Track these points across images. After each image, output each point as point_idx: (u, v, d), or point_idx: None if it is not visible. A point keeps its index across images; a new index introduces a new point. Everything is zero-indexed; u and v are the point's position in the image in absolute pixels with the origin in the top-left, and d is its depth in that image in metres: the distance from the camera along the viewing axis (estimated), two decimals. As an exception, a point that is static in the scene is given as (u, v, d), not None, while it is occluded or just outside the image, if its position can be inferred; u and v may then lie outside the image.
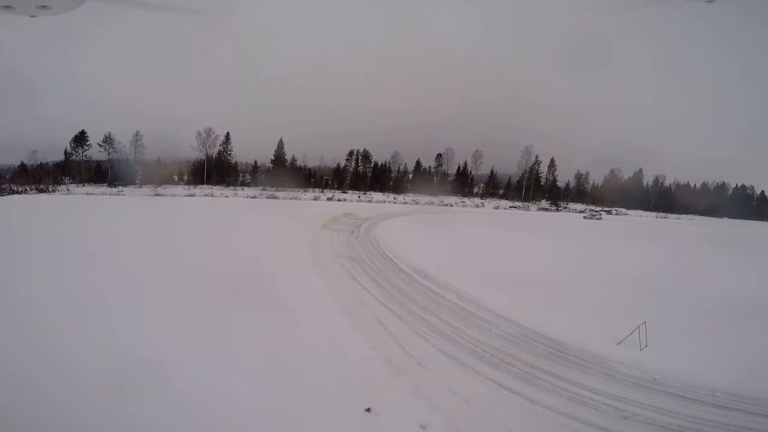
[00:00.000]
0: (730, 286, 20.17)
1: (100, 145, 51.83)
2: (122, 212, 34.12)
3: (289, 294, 15.99)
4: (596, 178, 67.66)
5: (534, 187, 64.79)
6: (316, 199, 52.51)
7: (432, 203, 56.33)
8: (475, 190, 66.91)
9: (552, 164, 65.49)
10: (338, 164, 64.39)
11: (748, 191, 64.82)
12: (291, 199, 50.66)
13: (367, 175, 64.68)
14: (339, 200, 52.87)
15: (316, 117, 60.15)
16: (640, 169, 65.46)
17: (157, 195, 45.78)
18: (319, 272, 19.29)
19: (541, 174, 65.59)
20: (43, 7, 2.75)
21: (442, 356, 11.86)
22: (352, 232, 30.13)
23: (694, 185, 66.09)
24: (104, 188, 47.90)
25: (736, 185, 65.02)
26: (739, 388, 10.48)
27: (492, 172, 67.01)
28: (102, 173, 52.08)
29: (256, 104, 65.84)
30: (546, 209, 60.39)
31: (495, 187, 66.95)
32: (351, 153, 64.11)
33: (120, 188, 47.58)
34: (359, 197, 56.39)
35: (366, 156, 64.56)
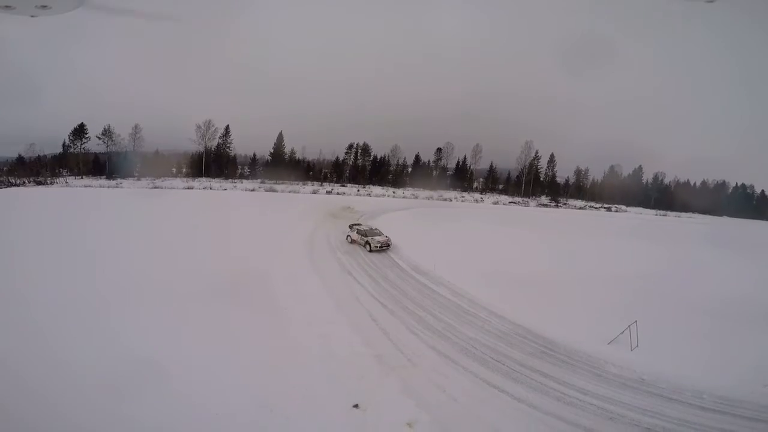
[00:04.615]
0: (727, 286, 20.15)
1: (99, 138, 51.79)
2: (119, 206, 34.11)
3: (285, 290, 16.04)
4: (596, 174, 67.44)
5: (533, 182, 64.64)
6: (314, 192, 52.38)
7: (431, 197, 56.16)
8: (475, 184, 66.74)
9: (552, 160, 65.23)
10: (337, 157, 64.24)
11: (748, 190, 64.68)
12: (290, 192, 50.59)
13: (366, 168, 64.48)
14: (338, 194, 52.75)
15: (316, 110, 59.62)
16: (640, 166, 65.01)
17: (155, 187, 45.74)
18: (315, 267, 19.31)
19: (541, 170, 65.43)
20: (44, 7, 2.71)
21: (432, 353, 11.93)
22: (350, 227, 30.07)
23: (694, 183, 65.93)
24: (102, 180, 47.89)
25: (736, 184, 64.85)
26: (727, 391, 10.53)
27: (491, 166, 66.84)
28: (100, 165, 52.03)
29: (256, 98, 65.22)
30: (545, 205, 60.28)
31: (494, 182, 66.83)
32: (350, 146, 63.89)
33: (118, 180, 47.51)
34: (358, 191, 56.24)
35: (365, 149, 64.30)
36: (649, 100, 64.75)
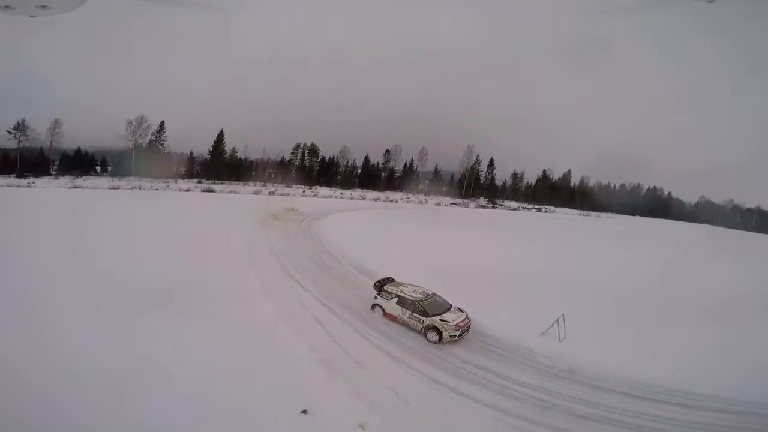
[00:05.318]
0: (636, 277, 22.54)
1: (10, 133, 46.06)
2: (28, 208, 30.61)
3: (224, 295, 15.22)
4: (531, 178, 72.13)
5: (474, 185, 67.68)
6: (257, 193, 50.59)
7: (378, 198, 56.81)
8: (420, 186, 68.49)
9: (491, 164, 68.73)
10: (282, 157, 62.73)
11: (658, 192, 72.90)
12: (229, 192, 48.46)
13: (313, 169, 63.61)
14: (282, 194, 51.41)
15: (261, 108, 57.56)
16: (569, 170, 70.91)
17: (75, 187, 41.56)
18: (256, 271, 18.61)
19: (481, 173, 68.73)
20: (44, 7, 2.48)
21: (380, 354, 12.04)
22: (292, 228, 29.41)
23: (614, 186, 72.95)
24: (11, 179, 42.58)
25: (648, 187, 72.75)
26: (643, 376, 11.62)
27: (436, 169, 69.02)
28: (10, 163, 46.29)
29: (196, 93, 60.84)
30: (483, 206, 63.38)
31: (438, 184, 69.10)
32: (297, 146, 62.76)
33: (31, 179, 42.55)
34: (304, 191, 55.23)
35: (313, 150, 63.45)
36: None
